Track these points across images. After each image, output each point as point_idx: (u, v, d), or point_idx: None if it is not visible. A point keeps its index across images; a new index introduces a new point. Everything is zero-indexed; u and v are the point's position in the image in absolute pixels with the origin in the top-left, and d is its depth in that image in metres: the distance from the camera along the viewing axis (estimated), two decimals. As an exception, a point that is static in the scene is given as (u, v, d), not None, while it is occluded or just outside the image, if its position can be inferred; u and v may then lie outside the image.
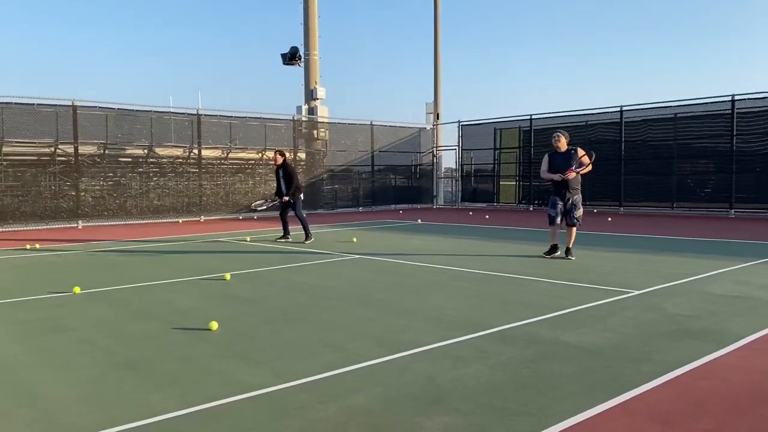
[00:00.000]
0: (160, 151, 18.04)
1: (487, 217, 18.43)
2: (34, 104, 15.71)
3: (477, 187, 25.04)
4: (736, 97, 17.54)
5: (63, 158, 16.26)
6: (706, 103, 18.26)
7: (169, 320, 5.47)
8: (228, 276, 7.64)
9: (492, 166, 24.04)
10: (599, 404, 3.36)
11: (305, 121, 22.11)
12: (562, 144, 9.05)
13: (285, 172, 11.96)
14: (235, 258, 9.75)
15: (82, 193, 16.41)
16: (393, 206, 23.74)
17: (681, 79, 62.42)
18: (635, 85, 64.69)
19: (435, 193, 25.53)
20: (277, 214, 12.82)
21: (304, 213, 12.23)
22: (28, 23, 67.12)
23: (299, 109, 22.66)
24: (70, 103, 16.15)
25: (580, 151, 8.99)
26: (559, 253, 9.22)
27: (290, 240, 11.86)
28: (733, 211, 17.66)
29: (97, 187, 16.79)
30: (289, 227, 12.10)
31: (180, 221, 17.81)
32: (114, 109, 17.18)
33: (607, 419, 3.17)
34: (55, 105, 16.04)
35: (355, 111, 65.61)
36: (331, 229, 14.95)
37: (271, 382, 3.77)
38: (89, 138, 16.61)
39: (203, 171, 18.69)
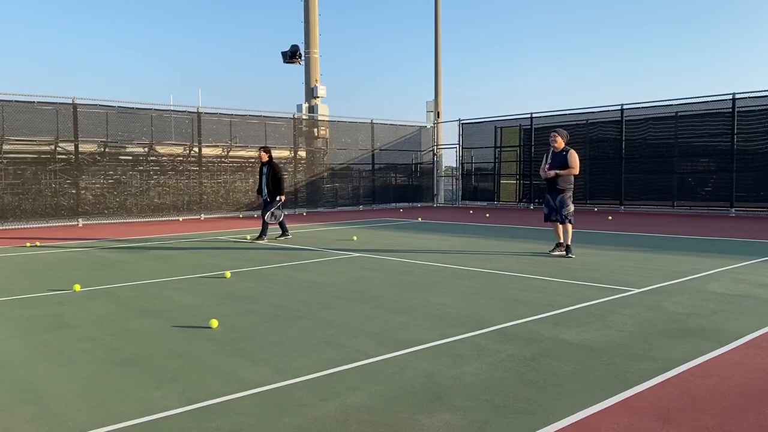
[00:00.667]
0: (161, 149, 18.05)
1: (487, 215, 18.44)
2: (34, 102, 15.71)
3: (477, 185, 25.05)
4: (737, 96, 17.54)
5: (63, 156, 16.26)
6: (707, 101, 18.26)
7: (169, 318, 5.48)
8: (228, 274, 7.65)
9: (492, 164, 24.04)
10: (599, 402, 3.36)
11: (306, 119, 22.10)
12: (558, 143, 9.19)
13: (271, 170, 11.85)
14: (235, 256, 9.76)
15: (83, 191, 16.42)
16: (393, 205, 23.75)
17: (682, 78, 62.51)
18: (636, 84, 64.80)
19: (435, 192, 25.54)
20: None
21: (281, 215, 11.90)
22: (29, 23, 67.19)
23: (300, 107, 22.64)
24: (71, 101, 16.17)
25: (572, 154, 9.08)
26: (559, 251, 9.27)
27: (265, 240, 11.61)
28: (733, 209, 17.67)
29: (98, 185, 16.81)
30: (268, 228, 11.91)
31: (180, 219, 17.81)
32: (114, 107, 17.19)
33: (607, 417, 3.18)
34: (56, 103, 16.05)
35: (355, 109, 65.71)
36: (331, 227, 14.96)
37: (272, 380, 3.78)
38: (89, 136, 16.63)
39: (203, 169, 18.70)
